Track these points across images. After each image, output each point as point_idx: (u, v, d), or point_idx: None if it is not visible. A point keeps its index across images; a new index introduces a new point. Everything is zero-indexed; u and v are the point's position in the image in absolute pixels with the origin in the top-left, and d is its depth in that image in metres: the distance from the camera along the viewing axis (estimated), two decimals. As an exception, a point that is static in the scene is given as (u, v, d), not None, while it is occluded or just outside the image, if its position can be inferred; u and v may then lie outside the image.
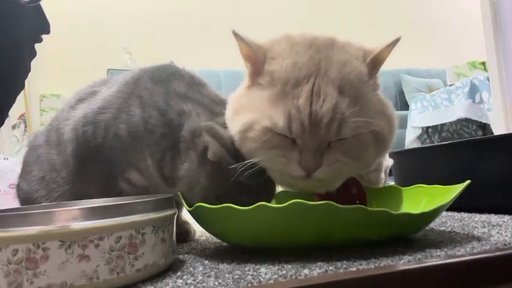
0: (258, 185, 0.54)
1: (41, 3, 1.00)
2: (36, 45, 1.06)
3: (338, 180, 0.54)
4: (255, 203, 0.46)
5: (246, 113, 0.51)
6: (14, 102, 1.04)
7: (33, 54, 1.06)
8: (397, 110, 3.35)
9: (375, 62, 0.52)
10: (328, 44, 0.53)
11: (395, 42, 0.52)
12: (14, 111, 1.06)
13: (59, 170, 0.65)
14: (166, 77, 0.63)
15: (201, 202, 0.52)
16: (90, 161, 0.61)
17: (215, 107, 0.61)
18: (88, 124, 0.61)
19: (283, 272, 0.42)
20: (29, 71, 1.05)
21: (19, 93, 1.06)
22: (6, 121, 1.07)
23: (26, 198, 0.67)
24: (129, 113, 0.59)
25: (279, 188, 0.63)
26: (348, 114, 0.47)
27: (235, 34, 0.53)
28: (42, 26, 1.05)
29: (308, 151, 0.48)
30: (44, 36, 1.07)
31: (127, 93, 0.61)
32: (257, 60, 0.53)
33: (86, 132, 0.60)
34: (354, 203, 0.56)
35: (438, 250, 0.45)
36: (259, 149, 0.50)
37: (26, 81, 1.08)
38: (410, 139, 2.94)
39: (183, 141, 0.57)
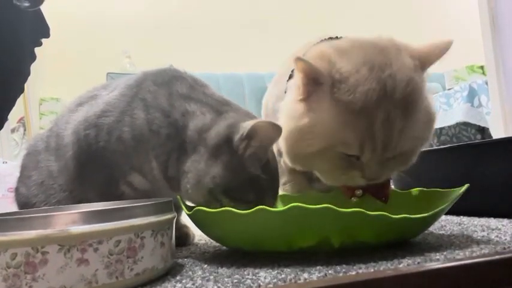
0: (266, 180, 0.56)
1: (41, 7, 1.01)
2: (36, 49, 1.06)
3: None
4: (259, 201, 0.49)
5: (317, 138, 0.54)
6: (13, 105, 1.04)
7: (33, 58, 1.06)
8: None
9: (428, 65, 0.56)
10: (387, 58, 0.54)
11: (449, 46, 0.58)
12: (13, 115, 1.06)
13: (56, 177, 0.64)
14: (168, 80, 0.63)
15: (205, 196, 0.54)
16: (91, 164, 0.61)
17: (220, 106, 0.61)
18: (90, 127, 0.60)
19: (283, 275, 0.42)
20: (29, 74, 1.06)
21: (19, 97, 1.06)
22: (6, 124, 1.07)
23: (24, 203, 0.67)
24: (133, 115, 0.59)
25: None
26: (411, 134, 0.52)
27: (299, 59, 0.54)
28: (42, 30, 1.05)
29: (372, 167, 0.53)
30: (43, 40, 1.07)
31: (130, 96, 0.61)
32: (322, 82, 0.54)
33: (88, 135, 0.60)
34: (381, 194, 0.61)
35: (437, 254, 0.45)
36: (328, 169, 0.56)
37: (25, 85, 1.08)
38: (410, 143, 2.94)
39: (189, 141, 0.57)
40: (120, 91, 0.63)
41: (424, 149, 0.59)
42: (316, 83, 0.54)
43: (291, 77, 0.65)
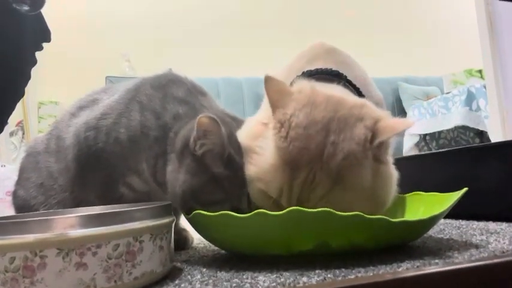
0: (232, 176, 0.54)
1: (41, 10, 1.01)
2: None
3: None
4: (230, 199, 0.52)
5: (251, 164, 0.54)
6: (13, 109, 1.04)
7: (34, 62, 1.06)
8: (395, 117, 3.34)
9: (383, 144, 0.53)
10: (341, 123, 0.52)
11: (404, 124, 0.53)
12: (12, 119, 1.06)
13: (56, 178, 0.65)
14: (165, 83, 0.64)
15: (183, 206, 0.55)
16: (91, 166, 0.62)
17: (205, 110, 0.61)
18: (90, 129, 0.61)
19: (282, 279, 0.41)
20: (29, 78, 1.06)
21: (19, 101, 1.06)
22: (4, 128, 1.07)
23: (22, 205, 0.67)
24: (129, 117, 0.60)
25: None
26: (336, 204, 0.48)
27: (267, 79, 0.54)
28: (43, 34, 1.06)
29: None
30: (43, 44, 1.08)
31: (128, 99, 0.62)
32: (275, 125, 0.53)
33: (88, 137, 0.61)
34: None
35: (436, 257, 0.45)
36: (255, 198, 0.55)
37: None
38: (408, 146, 2.95)
39: (169, 144, 0.58)
40: (120, 94, 0.64)
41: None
42: (273, 112, 0.53)
43: None
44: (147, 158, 0.59)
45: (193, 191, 0.54)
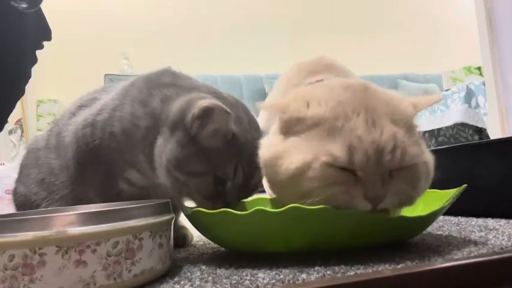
0: (231, 151, 0.55)
1: (42, 8, 1.01)
2: (34, 51, 1.07)
3: (398, 212, 0.53)
4: (209, 172, 0.52)
5: (295, 155, 0.48)
6: (14, 107, 1.05)
7: (35, 60, 1.06)
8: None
9: (418, 111, 0.53)
10: (364, 87, 0.52)
11: (436, 101, 0.56)
12: (11, 117, 1.06)
13: (58, 174, 0.65)
14: (157, 77, 0.64)
15: (167, 177, 0.55)
16: (90, 163, 0.62)
17: (198, 88, 0.62)
18: (87, 126, 0.62)
19: (281, 276, 0.42)
20: (30, 77, 1.06)
21: (19, 99, 1.06)
22: (4, 126, 1.07)
23: (23, 202, 0.67)
24: (122, 111, 0.60)
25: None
26: (407, 143, 0.47)
27: (262, 106, 0.56)
28: (44, 33, 1.06)
29: (372, 182, 0.46)
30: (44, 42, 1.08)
31: (122, 95, 0.63)
32: (296, 110, 0.51)
33: (85, 134, 0.62)
34: None
35: (435, 254, 0.46)
36: (320, 187, 0.47)
37: (23, 87, 1.08)
38: (407, 144, 2.94)
39: (162, 125, 0.58)
40: (116, 92, 0.65)
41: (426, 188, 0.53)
42: (286, 110, 0.51)
43: None
44: (143, 148, 0.59)
45: (177, 160, 0.54)
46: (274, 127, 0.56)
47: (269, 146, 0.53)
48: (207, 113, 0.53)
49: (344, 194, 0.46)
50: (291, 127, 0.50)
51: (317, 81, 0.65)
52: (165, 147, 0.56)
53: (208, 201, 0.56)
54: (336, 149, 0.45)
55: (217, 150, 0.55)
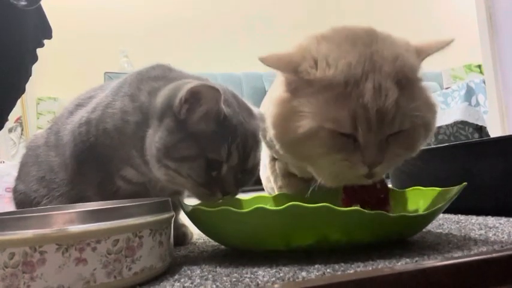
0: (222, 132, 0.54)
1: (42, 7, 1.01)
2: (34, 49, 1.06)
3: (389, 170, 0.56)
4: (200, 155, 0.51)
5: (304, 119, 0.49)
6: (14, 106, 1.05)
7: (35, 59, 1.06)
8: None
9: (425, 55, 0.54)
10: (372, 37, 0.52)
11: (448, 43, 0.55)
12: (11, 115, 1.06)
13: (57, 172, 0.65)
14: (147, 71, 0.64)
15: (159, 168, 0.55)
16: (87, 161, 0.62)
17: (185, 77, 0.61)
18: (83, 125, 0.62)
19: (281, 274, 0.42)
20: (30, 75, 1.06)
21: (20, 98, 1.06)
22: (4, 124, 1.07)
23: (23, 200, 0.67)
24: (113, 107, 0.60)
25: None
26: (408, 108, 0.48)
27: (264, 59, 0.53)
28: (45, 31, 1.06)
29: (371, 148, 0.48)
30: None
31: (115, 92, 0.63)
32: (305, 72, 0.51)
33: (81, 132, 0.62)
34: (379, 196, 0.57)
35: (435, 252, 0.46)
36: (323, 153, 0.50)
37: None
38: (407, 142, 2.94)
39: (151, 117, 0.57)
40: (110, 89, 0.65)
41: (425, 145, 0.55)
42: (295, 72, 0.51)
43: None
44: (135, 144, 0.59)
45: (166, 148, 0.54)
46: (280, 79, 0.56)
47: (277, 104, 0.54)
48: (195, 96, 0.53)
49: (344, 160, 0.49)
50: (299, 88, 0.51)
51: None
52: (154, 137, 0.55)
53: (204, 188, 0.55)
54: (342, 117, 0.47)
55: (208, 133, 0.54)
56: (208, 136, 0.54)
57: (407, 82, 0.49)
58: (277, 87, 0.57)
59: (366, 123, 0.47)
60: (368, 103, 0.47)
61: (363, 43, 0.51)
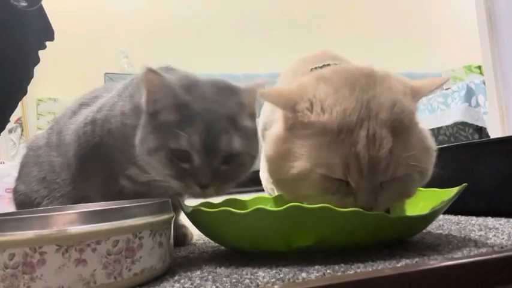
0: (173, 123, 0.53)
1: (44, 9, 1.01)
2: (34, 50, 1.07)
3: (397, 210, 0.56)
4: (163, 147, 0.51)
5: (297, 160, 0.50)
6: (16, 107, 1.05)
7: (37, 60, 1.07)
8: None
9: (419, 96, 0.52)
10: (371, 81, 0.52)
11: (443, 83, 0.54)
12: (11, 116, 1.07)
13: (59, 172, 0.65)
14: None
15: (145, 168, 0.55)
16: (91, 161, 0.62)
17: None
18: (88, 124, 0.62)
19: (281, 275, 0.42)
20: (32, 77, 1.06)
21: (21, 99, 1.07)
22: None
23: (23, 201, 0.67)
24: (117, 108, 0.61)
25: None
26: (403, 157, 0.47)
27: (264, 95, 0.54)
28: (47, 33, 1.06)
29: (363, 193, 0.48)
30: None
31: (120, 93, 0.63)
32: (301, 113, 0.51)
33: (86, 132, 0.62)
34: None
35: (435, 253, 0.46)
36: (316, 195, 0.50)
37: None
38: (407, 143, 2.94)
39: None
40: (116, 90, 0.65)
41: (423, 182, 0.54)
42: (293, 111, 0.51)
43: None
44: (134, 144, 0.58)
45: (140, 142, 0.55)
46: (278, 115, 0.57)
47: (274, 142, 0.54)
48: (146, 87, 0.53)
49: (337, 202, 0.48)
50: (295, 126, 0.51)
51: (323, 65, 0.63)
52: (145, 130, 0.56)
53: (178, 181, 0.54)
54: (334, 164, 0.47)
55: (169, 123, 0.53)
56: (169, 126, 0.53)
57: (403, 129, 0.49)
58: (276, 123, 0.57)
59: (358, 171, 0.47)
60: (360, 152, 0.47)
61: (360, 88, 0.50)
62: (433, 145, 0.54)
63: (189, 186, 0.53)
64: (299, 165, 0.49)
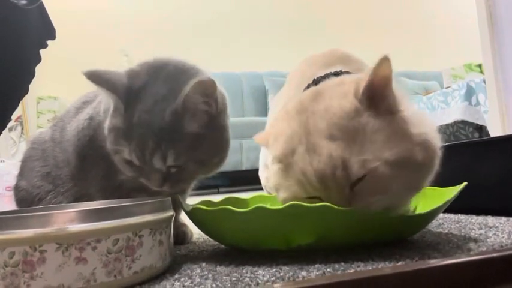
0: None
1: (45, 7, 1.02)
2: (35, 48, 1.07)
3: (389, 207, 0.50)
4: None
5: (279, 192, 0.53)
6: (17, 106, 1.06)
7: (38, 59, 1.07)
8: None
9: (371, 90, 0.48)
10: (312, 97, 0.52)
11: (382, 61, 0.48)
12: (12, 114, 1.07)
13: (62, 167, 0.66)
14: None
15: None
16: (90, 156, 0.63)
17: None
18: (86, 120, 0.63)
19: (281, 274, 0.42)
20: (33, 76, 1.07)
21: (23, 98, 1.07)
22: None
23: (24, 197, 0.67)
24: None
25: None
26: (347, 156, 0.46)
27: (255, 138, 0.58)
28: (48, 32, 1.06)
29: (337, 204, 0.46)
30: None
31: None
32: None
33: (84, 127, 0.63)
34: None
35: (435, 252, 0.46)
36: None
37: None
38: (407, 141, 2.93)
39: None
40: None
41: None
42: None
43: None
44: None
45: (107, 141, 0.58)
46: None
47: (271, 175, 0.56)
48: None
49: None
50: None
51: (325, 74, 0.63)
52: None
53: (140, 180, 0.56)
54: (293, 186, 0.50)
55: (118, 128, 0.55)
56: (118, 132, 0.55)
57: (342, 131, 0.47)
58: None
59: (311, 186, 0.48)
60: (303, 168, 0.48)
61: (303, 109, 0.52)
62: (422, 130, 0.49)
63: (150, 183, 0.55)
64: (280, 196, 0.53)
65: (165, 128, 0.53)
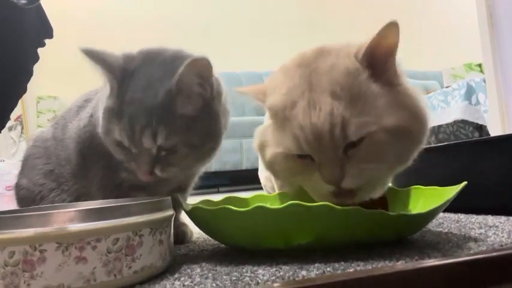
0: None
1: (43, 7, 1.02)
2: (34, 47, 1.07)
3: (372, 186, 0.51)
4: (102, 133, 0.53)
5: (268, 147, 0.53)
6: (16, 105, 1.06)
7: (36, 58, 1.07)
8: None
9: (373, 54, 0.49)
10: (316, 54, 0.52)
11: (390, 27, 0.50)
12: (11, 114, 1.07)
13: (64, 165, 0.66)
14: None
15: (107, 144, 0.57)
16: (91, 156, 0.62)
17: None
18: (86, 117, 0.63)
19: (281, 273, 0.42)
20: (32, 74, 1.07)
21: (21, 97, 1.07)
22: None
23: (25, 195, 0.67)
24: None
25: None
26: (347, 116, 0.45)
27: (240, 91, 0.57)
28: (46, 31, 1.06)
29: (327, 166, 0.47)
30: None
31: None
32: (262, 102, 0.54)
33: (85, 125, 0.63)
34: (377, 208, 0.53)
35: (435, 251, 0.46)
36: (287, 176, 0.52)
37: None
38: (407, 141, 2.94)
39: None
40: None
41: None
42: (262, 102, 0.54)
43: None
44: None
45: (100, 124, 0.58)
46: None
47: (260, 132, 0.56)
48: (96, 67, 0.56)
49: (308, 180, 0.49)
50: (269, 114, 0.54)
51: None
52: None
53: (130, 165, 0.56)
54: (287, 141, 0.48)
55: (112, 109, 0.55)
56: (111, 112, 0.55)
57: (346, 90, 0.47)
58: (266, 119, 0.60)
59: (307, 142, 0.47)
60: (301, 122, 0.47)
61: (306, 64, 0.51)
62: (417, 103, 0.50)
63: (138, 170, 0.55)
64: (268, 151, 0.52)
65: (157, 107, 0.52)
